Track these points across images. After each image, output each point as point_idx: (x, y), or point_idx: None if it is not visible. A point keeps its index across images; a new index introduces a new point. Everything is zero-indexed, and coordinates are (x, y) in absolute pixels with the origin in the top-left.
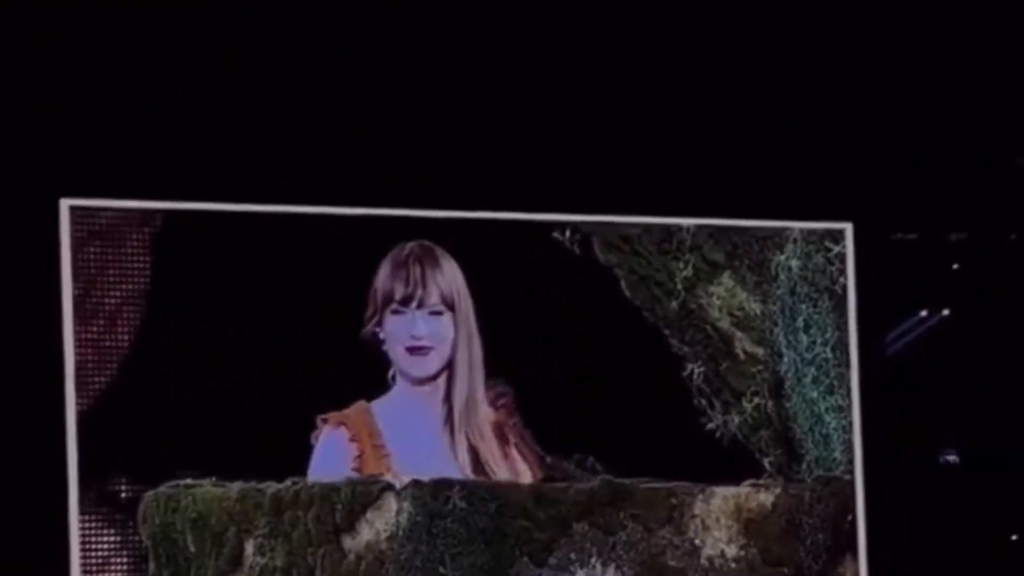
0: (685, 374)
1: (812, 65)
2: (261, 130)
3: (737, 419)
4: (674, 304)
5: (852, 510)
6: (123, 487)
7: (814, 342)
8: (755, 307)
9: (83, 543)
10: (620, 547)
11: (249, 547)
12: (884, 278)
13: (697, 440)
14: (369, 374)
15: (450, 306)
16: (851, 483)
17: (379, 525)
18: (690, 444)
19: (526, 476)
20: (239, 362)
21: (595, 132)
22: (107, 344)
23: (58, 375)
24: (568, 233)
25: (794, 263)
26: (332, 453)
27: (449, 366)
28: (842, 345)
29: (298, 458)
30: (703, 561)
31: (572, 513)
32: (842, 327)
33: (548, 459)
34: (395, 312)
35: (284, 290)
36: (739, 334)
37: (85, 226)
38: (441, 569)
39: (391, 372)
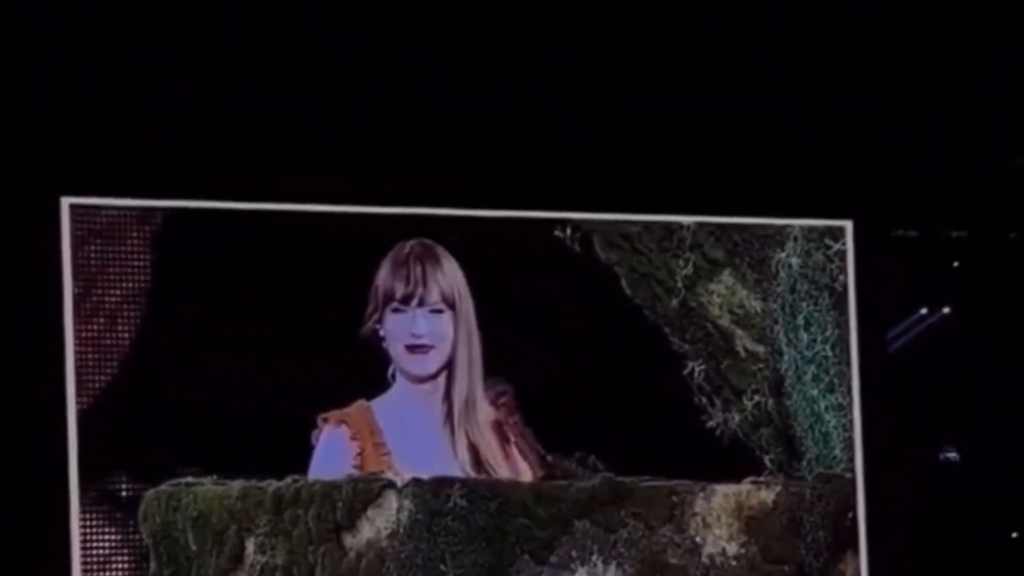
0: (686, 372)
1: (812, 63)
2: (261, 128)
3: (738, 417)
4: (674, 302)
5: (853, 507)
6: (124, 486)
7: (814, 340)
8: (755, 305)
9: (84, 542)
10: (621, 545)
11: (250, 545)
12: (884, 276)
13: (698, 438)
14: (369, 373)
15: (450, 305)
16: (851, 481)
17: (380, 523)
18: (691, 442)
19: (526, 474)
20: (239, 360)
21: (595, 130)
22: (107, 342)
23: (58, 373)
24: (569, 231)
25: (794, 261)
26: (333, 452)
27: (449, 364)
28: (842, 343)
29: (298, 456)
30: (704, 559)
31: (573, 511)
32: (842, 325)
33: (549, 457)
34: (396, 310)
35: (284, 288)
36: (739, 332)
37: (85, 224)
38: (442, 567)
39: (391, 370)
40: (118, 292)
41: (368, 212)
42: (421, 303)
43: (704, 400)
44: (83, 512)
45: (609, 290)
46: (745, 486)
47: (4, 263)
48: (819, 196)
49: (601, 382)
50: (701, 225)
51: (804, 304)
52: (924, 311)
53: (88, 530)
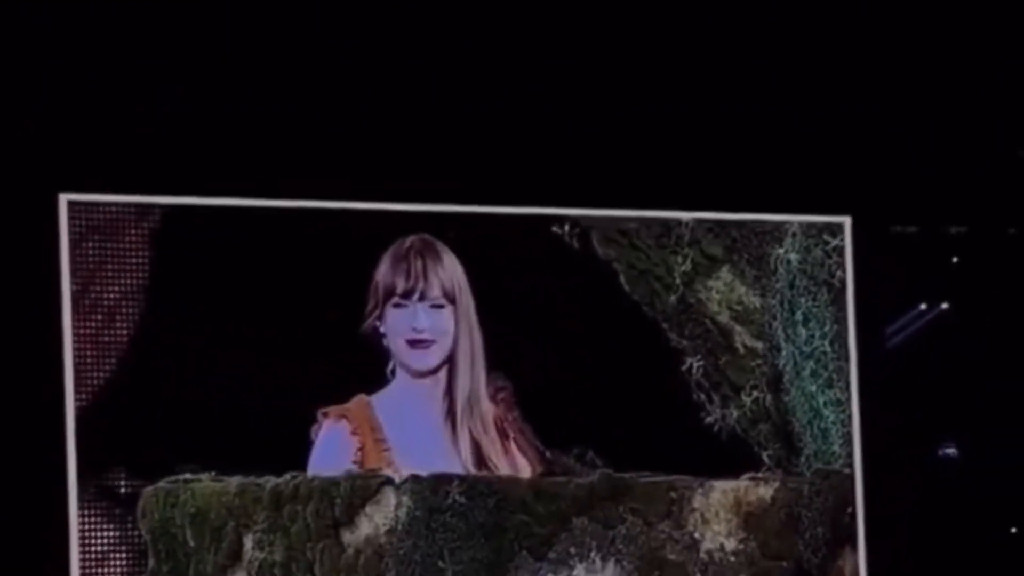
0: (684, 368)
1: (811, 59)
2: (260, 125)
3: (736, 413)
4: (673, 298)
5: (851, 503)
6: (122, 482)
7: (813, 336)
8: (754, 301)
9: (82, 538)
10: (620, 541)
11: (248, 541)
12: (883, 271)
13: (696, 434)
14: (367, 368)
15: (451, 299)
16: (850, 476)
17: (378, 519)
18: (689, 438)
19: (525, 471)
20: (238, 357)
21: (594, 126)
22: (106, 339)
23: (57, 370)
24: (567, 227)
25: (793, 257)
26: (333, 447)
27: (450, 359)
28: (841, 339)
29: (297, 453)
30: (702, 555)
31: (572, 507)
32: (841, 321)
33: (547, 453)
34: (396, 305)
35: (281, 285)
36: (738, 328)
37: (84, 221)
38: (440, 563)
39: (390, 366)
40: (116, 289)
41: (366, 208)
42: (422, 298)
43: (703, 396)
44: (82, 508)
45: (607, 286)
46: (743, 482)
47: (2, 260)
48: (817, 192)
49: (599, 378)
50: (700, 221)
51: (803, 300)
52: (923, 307)
53: (87, 526)
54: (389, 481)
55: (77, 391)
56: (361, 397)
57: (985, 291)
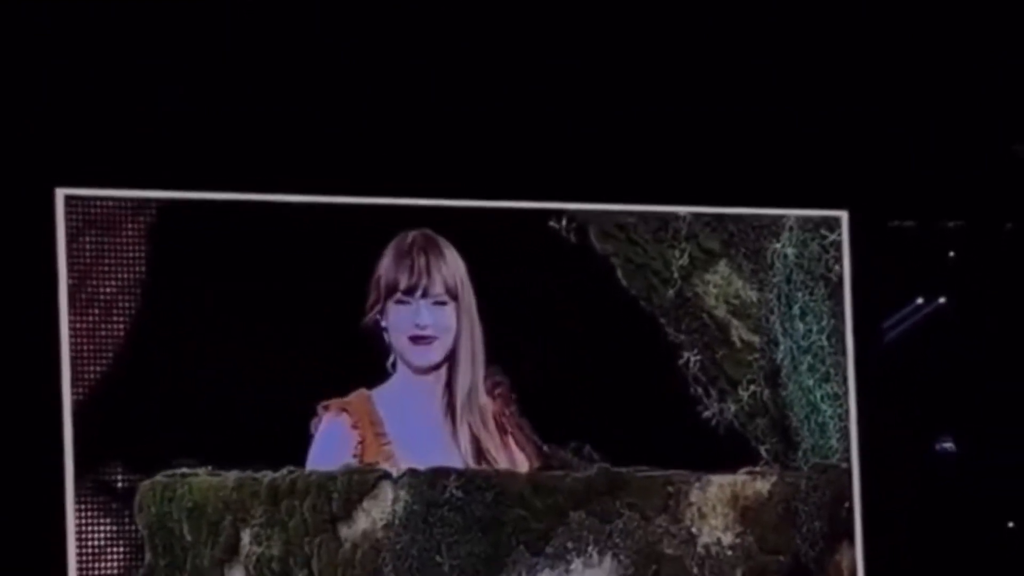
0: (681, 362)
1: (808, 54)
2: (256, 120)
3: (733, 407)
4: (670, 292)
5: (848, 497)
6: (119, 476)
7: (810, 330)
8: (751, 295)
9: (79, 532)
10: (617, 535)
11: (245, 536)
12: (880, 266)
13: (693, 428)
14: (366, 363)
15: (454, 296)
16: (847, 471)
17: (376, 514)
18: (686, 432)
19: (523, 465)
20: (234, 352)
21: (591, 121)
22: (103, 334)
23: (54, 365)
24: (564, 222)
25: (790, 251)
26: (333, 440)
27: (452, 356)
28: (838, 333)
29: (294, 447)
30: (699, 549)
31: (569, 502)
32: (838, 315)
33: (545, 447)
34: (399, 302)
35: (277, 280)
36: (735, 322)
37: (80, 215)
38: (437, 558)
39: (390, 361)
40: (113, 283)
41: (360, 203)
42: (425, 294)
43: (700, 390)
44: (78, 503)
45: (605, 281)
46: (741, 476)
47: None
48: (815, 186)
49: (597, 373)
50: (697, 215)
51: (800, 294)
52: (920, 301)
53: (84, 521)
54: (386, 476)
55: (74, 385)
56: (361, 391)
57: (982, 286)
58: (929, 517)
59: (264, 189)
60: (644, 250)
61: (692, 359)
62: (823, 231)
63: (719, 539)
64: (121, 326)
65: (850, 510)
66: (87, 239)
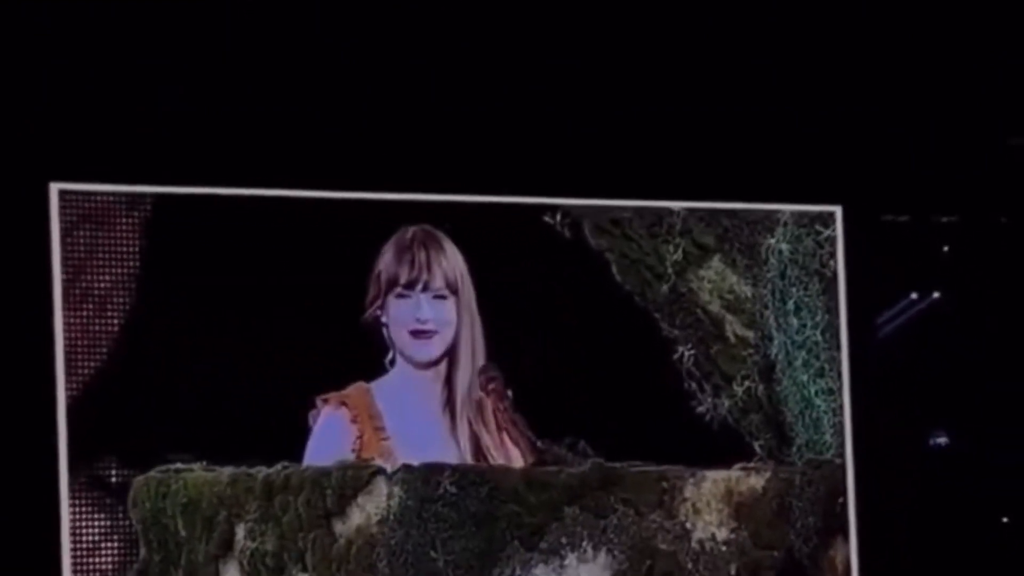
0: (675, 357)
1: (802, 50)
2: (254, 114)
3: (727, 402)
4: (664, 288)
5: (842, 493)
6: (113, 471)
7: (804, 325)
8: (745, 290)
9: (73, 527)
10: (611, 531)
11: (240, 531)
12: (874, 261)
13: (688, 424)
14: (363, 358)
15: (454, 291)
16: (841, 466)
17: (370, 509)
18: (681, 428)
19: (518, 460)
20: (229, 347)
21: (585, 116)
22: (97, 328)
23: (48, 359)
24: (559, 217)
25: (784, 246)
26: (332, 434)
27: (451, 351)
28: (832, 328)
29: (289, 443)
30: (694, 544)
31: (563, 497)
32: (832, 310)
33: (539, 443)
34: (399, 295)
35: (273, 274)
36: (729, 317)
37: (75, 210)
38: (432, 553)
39: (389, 356)
40: (107, 278)
41: (356, 198)
42: (425, 288)
43: (694, 385)
44: (73, 498)
45: (599, 276)
46: (735, 472)
47: None
48: (809, 182)
49: (591, 368)
50: (691, 211)
51: (794, 289)
52: (914, 296)
53: (78, 516)
54: (381, 471)
55: (68, 380)
56: (360, 384)
57: (977, 281)
58: (923, 512)
59: (260, 184)
60: (638, 245)
61: (686, 354)
62: (817, 226)
63: (713, 534)
64: (116, 321)
65: (844, 505)
66: (81, 234)
